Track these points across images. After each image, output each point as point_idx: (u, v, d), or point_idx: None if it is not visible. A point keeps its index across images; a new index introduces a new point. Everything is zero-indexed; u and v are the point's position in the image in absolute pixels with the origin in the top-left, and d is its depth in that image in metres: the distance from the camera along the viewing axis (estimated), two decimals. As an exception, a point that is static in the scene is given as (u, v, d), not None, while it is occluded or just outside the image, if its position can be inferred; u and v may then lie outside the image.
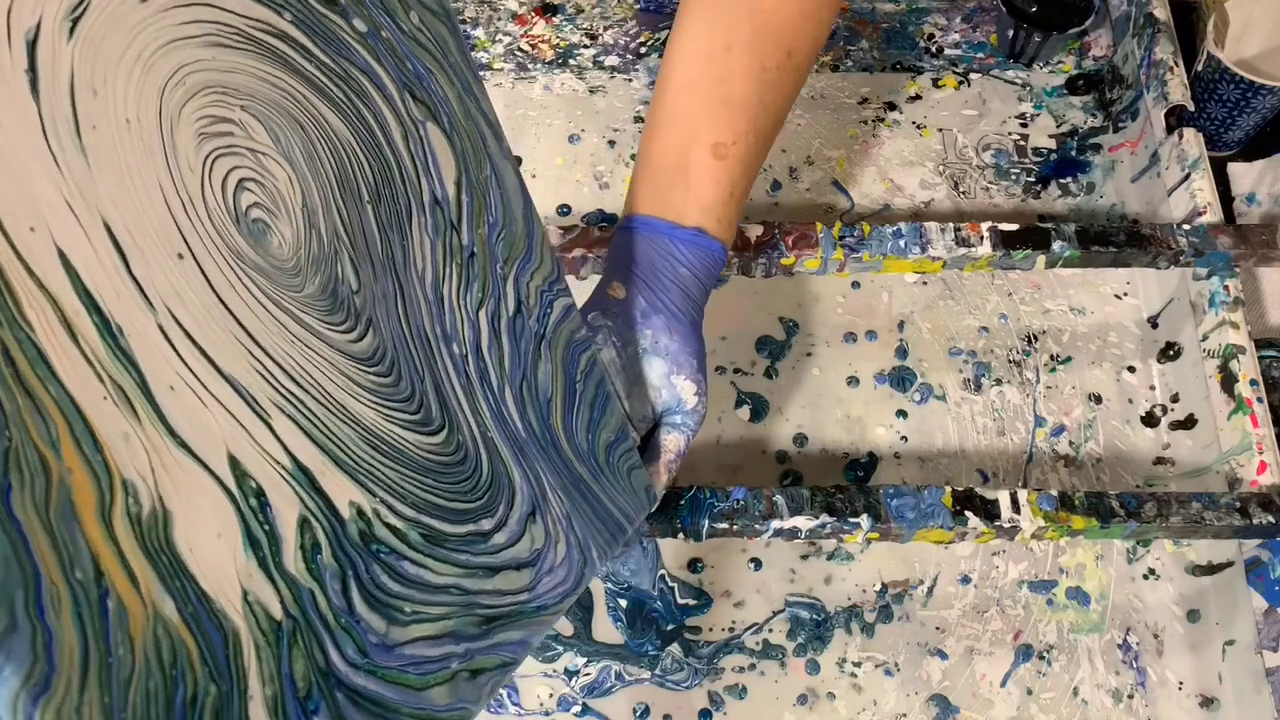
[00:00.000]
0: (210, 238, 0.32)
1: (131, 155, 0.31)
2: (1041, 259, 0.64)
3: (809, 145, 0.77)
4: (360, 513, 0.36)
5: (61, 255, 0.30)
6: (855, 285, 0.71)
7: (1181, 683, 0.59)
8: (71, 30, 0.30)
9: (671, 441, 0.50)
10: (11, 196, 0.29)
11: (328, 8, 0.34)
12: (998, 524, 0.54)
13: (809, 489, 0.54)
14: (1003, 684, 0.59)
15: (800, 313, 0.70)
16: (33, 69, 0.29)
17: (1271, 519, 0.55)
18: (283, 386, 0.34)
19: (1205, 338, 0.64)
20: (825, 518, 0.54)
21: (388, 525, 0.36)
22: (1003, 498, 0.55)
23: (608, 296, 0.50)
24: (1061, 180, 0.76)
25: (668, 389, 0.49)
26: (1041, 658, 0.59)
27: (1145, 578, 0.62)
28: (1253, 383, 0.61)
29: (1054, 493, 0.55)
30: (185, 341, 0.32)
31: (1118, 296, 0.71)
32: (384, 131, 0.36)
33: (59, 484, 0.30)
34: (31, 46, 0.29)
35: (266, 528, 0.34)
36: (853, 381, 0.68)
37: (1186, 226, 0.65)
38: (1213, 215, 0.66)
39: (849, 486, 0.55)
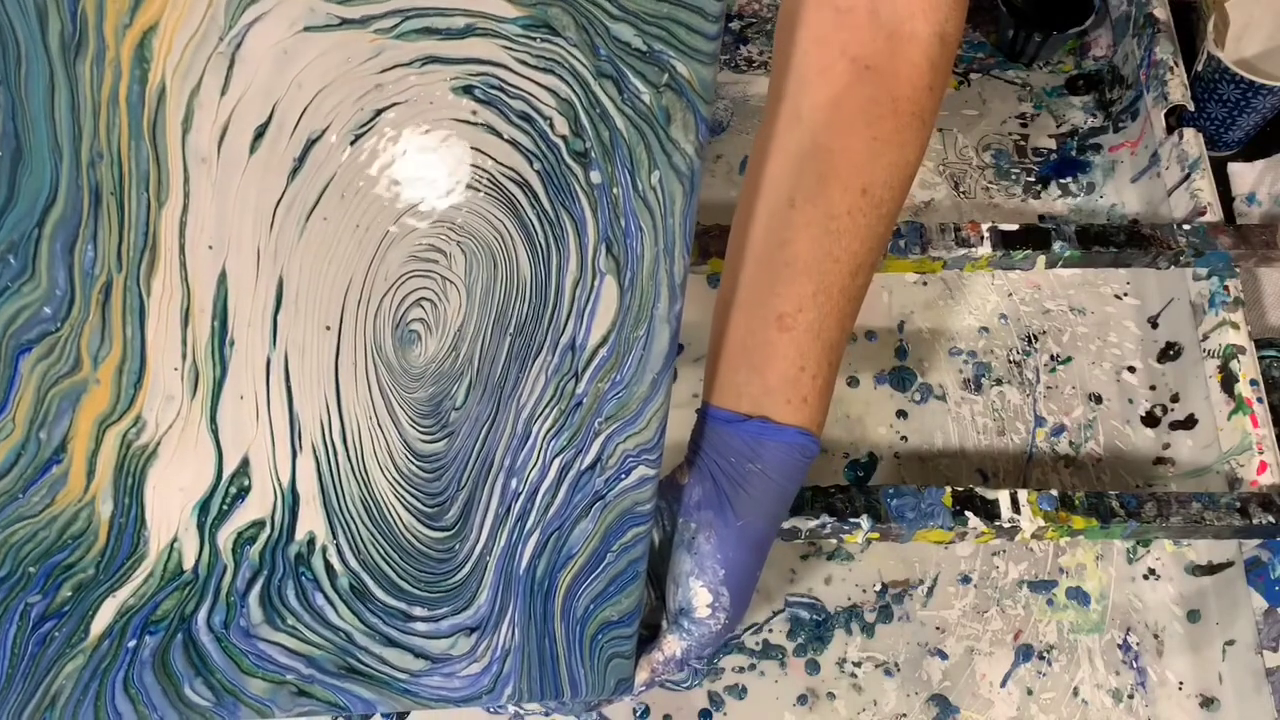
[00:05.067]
0: (362, 327, 0.38)
1: (342, 250, 0.37)
2: (1041, 259, 0.64)
3: (809, 145, 0.77)
4: (311, 542, 0.41)
5: (223, 273, 0.36)
6: (855, 285, 0.71)
7: (1181, 683, 0.59)
8: (352, 143, 0.35)
9: (668, 644, 0.47)
10: (210, 219, 0.35)
11: (574, 159, 0.37)
12: (998, 524, 0.54)
13: (809, 489, 0.54)
14: (1003, 684, 0.59)
15: (800, 313, 0.70)
16: (301, 161, 0.35)
17: (1271, 519, 0.55)
18: (330, 436, 0.39)
19: (1205, 338, 0.64)
20: (825, 518, 0.54)
21: (327, 562, 0.41)
22: (1003, 498, 0.55)
23: (675, 477, 0.47)
24: (1061, 180, 0.76)
25: (684, 589, 0.46)
26: (1041, 658, 0.59)
27: (1145, 578, 0.62)
28: (1253, 383, 0.61)
29: (1054, 493, 0.55)
30: (281, 376, 0.38)
31: (1118, 296, 0.71)
32: (560, 274, 0.39)
33: (79, 381, 0.36)
34: (309, 144, 0.35)
35: (224, 508, 0.39)
36: (853, 381, 0.68)
37: (1186, 226, 0.65)
38: (1213, 215, 0.66)
39: (849, 486, 0.55)
